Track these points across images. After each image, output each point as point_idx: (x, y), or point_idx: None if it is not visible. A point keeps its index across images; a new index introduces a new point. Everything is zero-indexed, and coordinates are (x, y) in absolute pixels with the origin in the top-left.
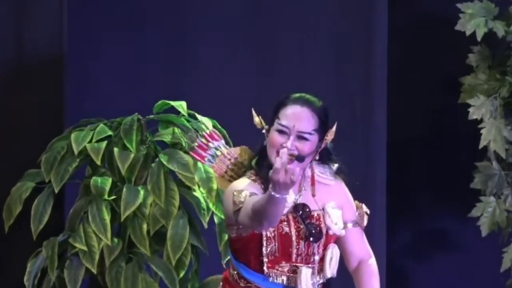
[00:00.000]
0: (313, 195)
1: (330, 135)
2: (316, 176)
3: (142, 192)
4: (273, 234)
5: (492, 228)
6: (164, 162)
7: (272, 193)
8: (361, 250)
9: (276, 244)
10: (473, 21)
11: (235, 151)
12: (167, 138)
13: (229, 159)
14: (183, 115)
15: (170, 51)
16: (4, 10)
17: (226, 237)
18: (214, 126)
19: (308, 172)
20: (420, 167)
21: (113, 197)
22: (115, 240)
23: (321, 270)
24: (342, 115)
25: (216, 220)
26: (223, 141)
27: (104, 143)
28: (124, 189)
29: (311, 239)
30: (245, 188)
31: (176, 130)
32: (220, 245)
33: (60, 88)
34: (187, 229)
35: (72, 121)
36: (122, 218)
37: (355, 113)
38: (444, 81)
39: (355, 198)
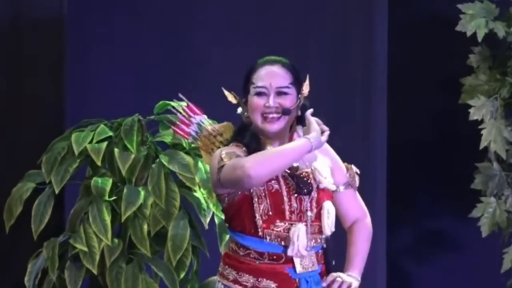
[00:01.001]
0: None
1: (305, 88)
2: None
3: (142, 193)
4: (263, 193)
5: (493, 229)
6: (165, 163)
7: (312, 145)
8: (356, 210)
9: (268, 202)
10: (474, 22)
11: (219, 127)
12: (168, 139)
13: (215, 136)
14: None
15: (171, 51)
16: (3, 10)
17: (226, 237)
18: (194, 138)
19: (295, 137)
20: (420, 168)
21: (114, 197)
22: (116, 240)
23: (317, 231)
24: (343, 116)
25: (216, 220)
26: (205, 116)
27: (105, 144)
28: (125, 190)
29: (303, 190)
30: (234, 150)
31: None
32: (221, 246)
33: (61, 89)
34: (187, 230)
35: (73, 121)
36: (123, 218)
37: (355, 113)
38: (445, 81)
39: None
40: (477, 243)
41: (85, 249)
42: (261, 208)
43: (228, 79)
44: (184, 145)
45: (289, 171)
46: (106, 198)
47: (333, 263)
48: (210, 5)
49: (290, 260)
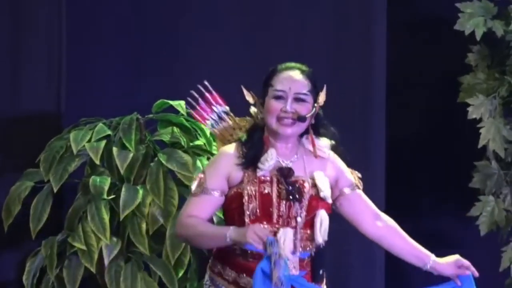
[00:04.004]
0: (316, 156)
1: (321, 98)
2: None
3: (141, 192)
4: (254, 193)
5: (491, 228)
6: (163, 162)
7: (228, 239)
8: (372, 207)
9: (257, 203)
10: (472, 21)
11: (240, 121)
12: (166, 138)
13: (234, 129)
14: (182, 115)
15: (169, 50)
16: (1, 10)
17: None
18: (212, 126)
19: (305, 142)
20: (419, 166)
21: (112, 196)
22: (114, 239)
23: (306, 238)
24: (341, 116)
25: (215, 219)
26: (227, 108)
27: (103, 143)
28: (123, 189)
29: (291, 197)
30: (209, 176)
31: (175, 129)
32: None
33: (59, 87)
34: None
35: (71, 120)
36: (121, 217)
37: (354, 113)
38: (443, 80)
39: None
40: (475, 242)
41: (84, 247)
42: (250, 208)
43: (227, 78)
44: (183, 143)
45: (284, 173)
46: (105, 196)
47: (321, 272)
48: (208, 4)
49: None
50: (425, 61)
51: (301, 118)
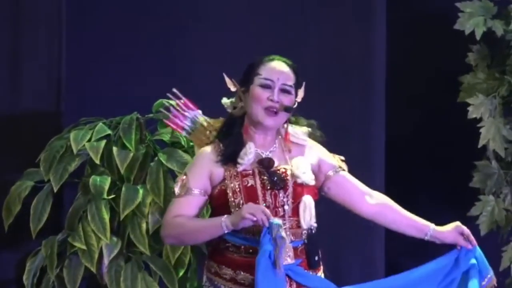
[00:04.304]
0: (289, 151)
1: (300, 94)
2: (290, 136)
3: (141, 191)
4: (238, 188)
5: (491, 227)
6: (163, 161)
7: (224, 225)
8: (360, 186)
9: (243, 197)
10: (472, 20)
11: (214, 122)
12: (166, 137)
13: (210, 132)
14: None
15: (169, 49)
16: (1, 9)
17: None
18: (187, 132)
19: (282, 132)
20: (419, 166)
21: (112, 196)
22: (114, 239)
23: (296, 226)
24: (341, 115)
25: None
26: (199, 111)
27: (103, 142)
28: (123, 188)
29: (277, 185)
30: (191, 177)
31: None
32: None
33: (59, 87)
34: None
35: (71, 120)
36: (121, 217)
37: (353, 113)
38: (443, 80)
39: None
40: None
41: (84, 247)
42: (236, 203)
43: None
44: (183, 143)
45: (262, 165)
46: (105, 196)
47: (316, 258)
48: (208, 4)
49: None
50: (425, 61)
51: (288, 109)
